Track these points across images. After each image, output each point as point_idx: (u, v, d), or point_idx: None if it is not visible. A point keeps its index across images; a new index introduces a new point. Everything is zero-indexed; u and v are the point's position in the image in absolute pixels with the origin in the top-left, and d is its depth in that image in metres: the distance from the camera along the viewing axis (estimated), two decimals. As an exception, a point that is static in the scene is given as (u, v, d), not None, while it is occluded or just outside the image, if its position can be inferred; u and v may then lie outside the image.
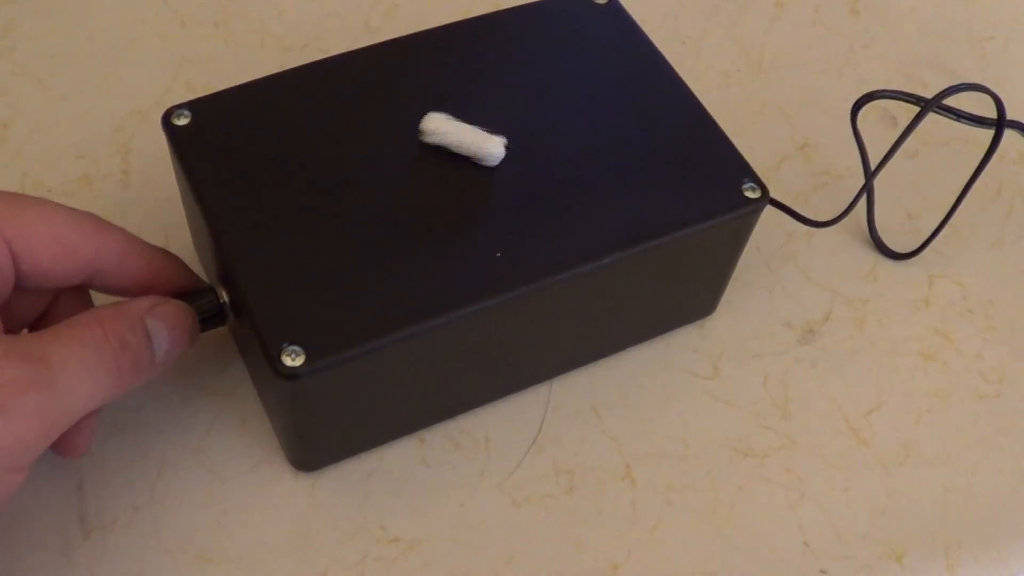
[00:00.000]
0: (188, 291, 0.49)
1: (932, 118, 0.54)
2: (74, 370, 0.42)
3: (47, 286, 0.46)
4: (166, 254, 0.49)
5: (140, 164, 0.60)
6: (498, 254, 0.46)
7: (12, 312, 0.46)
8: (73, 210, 0.46)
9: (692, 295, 0.55)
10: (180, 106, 0.50)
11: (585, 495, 0.51)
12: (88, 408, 0.43)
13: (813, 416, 0.55)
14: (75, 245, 0.45)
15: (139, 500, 0.50)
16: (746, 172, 0.50)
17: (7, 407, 0.39)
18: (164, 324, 0.46)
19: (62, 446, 0.47)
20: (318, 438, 0.49)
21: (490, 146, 0.48)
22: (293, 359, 0.43)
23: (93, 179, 0.59)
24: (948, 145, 0.65)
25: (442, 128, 0.49)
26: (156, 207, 0.58)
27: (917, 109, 0.54)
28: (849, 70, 0.69)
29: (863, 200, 0.57)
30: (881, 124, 0.65)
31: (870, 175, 0.55)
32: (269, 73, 0.52)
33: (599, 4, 0.56)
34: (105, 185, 0.59)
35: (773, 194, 0.51)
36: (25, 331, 0.48)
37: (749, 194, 0.50)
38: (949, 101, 0.54)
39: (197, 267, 0.54)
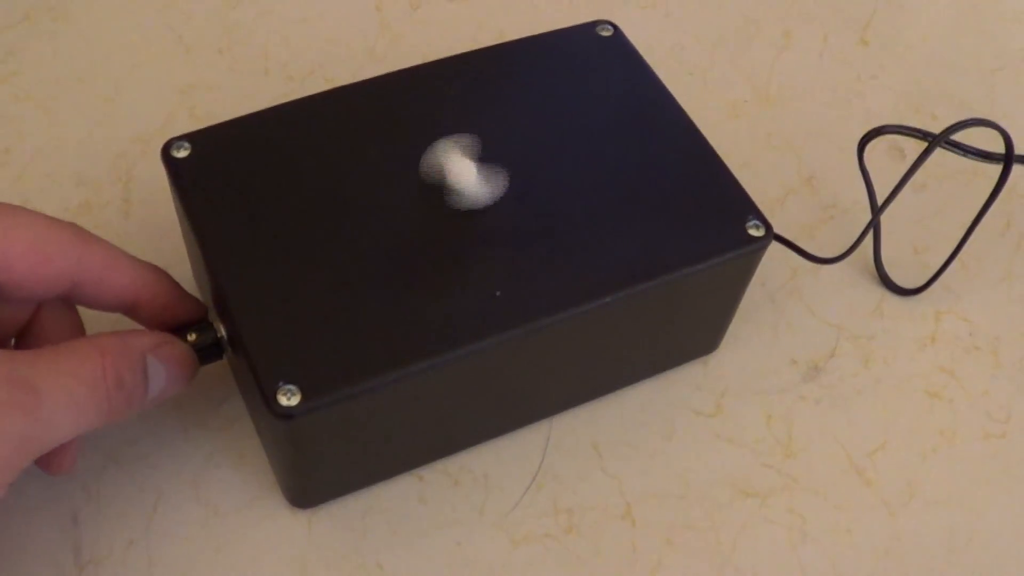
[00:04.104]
0: (175, 306, 0.48)
1: (940, 151, 0.53)
2: (62, 402, 0.41)
3: (24, 296, 0.45)
4: (154, 269, 0.48)
5: (141, 192, 0.60)
6: (498, 292, 0.46)
7: None
8: (54, 220, 0.45)
9: (695, 332, 0.54)
10: (180, 138, 0.49)
11: (584, 535, 0.51)
12: (69, 437, 0.43)
13: (816, 455, 0.54)
14: (53, 255, 0.44)
15: (134, 534, 0.50)
16: (750, 209, 0.50)
17: None
18: (164, 365, 0.45)
19: (46, 463, 0.47)
20: (315, 475, 0.49)
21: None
22: (289, 398, 0.43)
23: (94, 206, 0.59)
24: (956, 179, 0.64)
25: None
26: (157, 236, 0.58)
27: (925, 143, 0.53)
28: (857, 101, 0.68)
29: (870, 235, 0.56)
30: (888, 156, 0.65)
31: (877, 211, 0.55)
32: (272, 100, 0.52)
33: (603, 36, 0.55)
34: (106, 213, 0.59)
35: (778, 228, 0.51)
36: (12, 342, 0.48)
37: (753, 232, 0.49)
38: (957, 136, 0.53)
39: (196, 299, 0.54)
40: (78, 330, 0.49)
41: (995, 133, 0.53)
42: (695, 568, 0.51)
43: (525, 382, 0.50)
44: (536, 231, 0.48)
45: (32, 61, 0.65)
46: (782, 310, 0.58)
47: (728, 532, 0.52)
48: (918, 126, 0.54)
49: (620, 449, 0.53)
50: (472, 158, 0.49)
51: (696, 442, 0.54)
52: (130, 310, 0.47)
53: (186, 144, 0.49)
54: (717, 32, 0.71)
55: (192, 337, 0.48)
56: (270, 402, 0.43)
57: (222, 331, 0.48)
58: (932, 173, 0.64)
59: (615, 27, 0.55)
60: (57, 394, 0.41)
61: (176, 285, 0.49)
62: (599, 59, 0.54)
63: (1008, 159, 0.54)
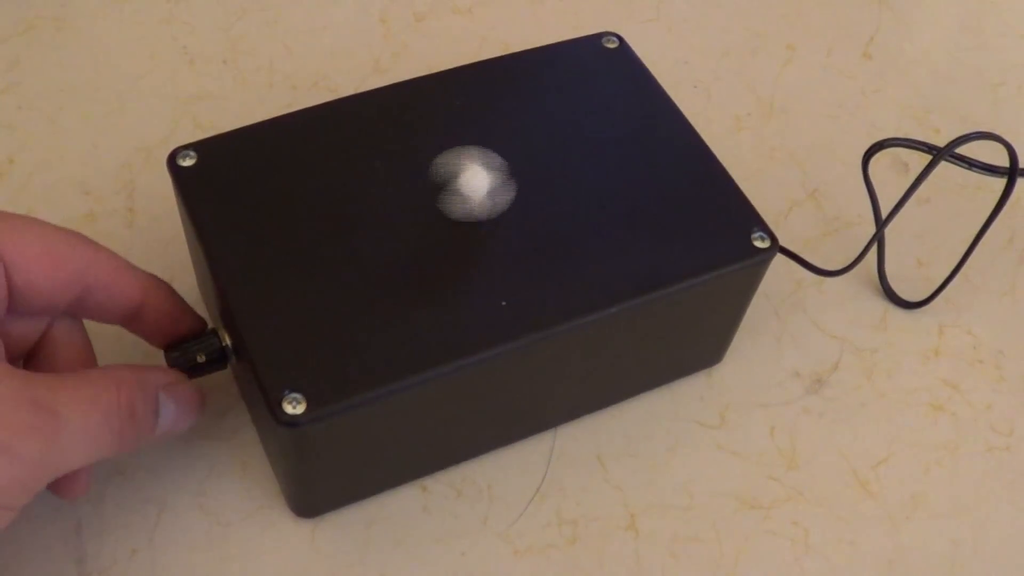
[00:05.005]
0: (178, 315, 0.49)
1: (944, 164, 0.53)
2: (79, 427, 0.42)
3: (40, 304, 0.45)
4: (155, 278, 0.49)
5: (145, 202, 0.60)
6: (503, 303, 0.46)
7: (7, 339, 0.46)
8: (61, 228, 0.46)
9: (699, 344, 0.54)
10: (186, 147, 0.49)
11: (588, 546, 0.51)
12: (82, 464, 0.43)
13: (820, 467, 0.54)
14: (66, 257, 0.45)
15: (138, 544, 0.50)
16: (755, 221, 0.50)
17: (10, 448, 0.39)
18: (175, 402, 0.46)
19: (60, 488, 0.47)
20: (319, 485, 0.49)
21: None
22: (294, 407, 0.43)
23: (98, 216, 0.59)
24: (960, 192, 0.65)
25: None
26: (161, 246, 0.58)
27: (929, 156, 0.53)
28: (861, 115, 0.68)
29: (873, 248, 0.56)
30: (892, 170, 0.65)
31: (881, 224, 0.55)
32: (277, 112, 0.52)
33: (609, 48, 0.55)
34: (110, 223, 0.59)
35: (783, 241, 0.51)
36: (20, 363, 0.48)
37: (758, 243, 0.49)
38: (961, 149, 0.53)
39: (201, 309, 0.54)
40: (88, 349, 0.49)
41: (999, 147, 0.53)
42: (699, 580, 0.51)
43: (530, 392, 0.50)
44: (542, 242, 0.48)
45: (36, 71, 0.65)
46: (786, 322, 0.59)
47: (731, 543, 0.52)
48: (921, 139, 0.54)
49: (624, 460, 0.53)
50: (480, 168, 0.49)
51: (700, 454, 0.54)
52: (135, 318, 0.48)
53: (192, 153, 0.49)
54: (721, 45, 0.71)
55: (201, 358, 0.48)
56: (275, 410, 0.43)
57: (227, 340, 0.48)
58: (936, 186, 0.64)
59: (620, 39, 0.56)
60: (74, 421, 0.42)
61: (177, 295, 0.49)
62: (604, 71, 0.55)
63: (1012, 172, 0.54)
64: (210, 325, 0.50)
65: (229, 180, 0.49)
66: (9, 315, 0.45)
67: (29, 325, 0.47)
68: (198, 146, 0.50)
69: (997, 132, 0.53)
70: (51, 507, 0.50)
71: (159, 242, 0.58)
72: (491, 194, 0.49)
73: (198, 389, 0.48)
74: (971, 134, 0.53)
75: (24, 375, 0.41)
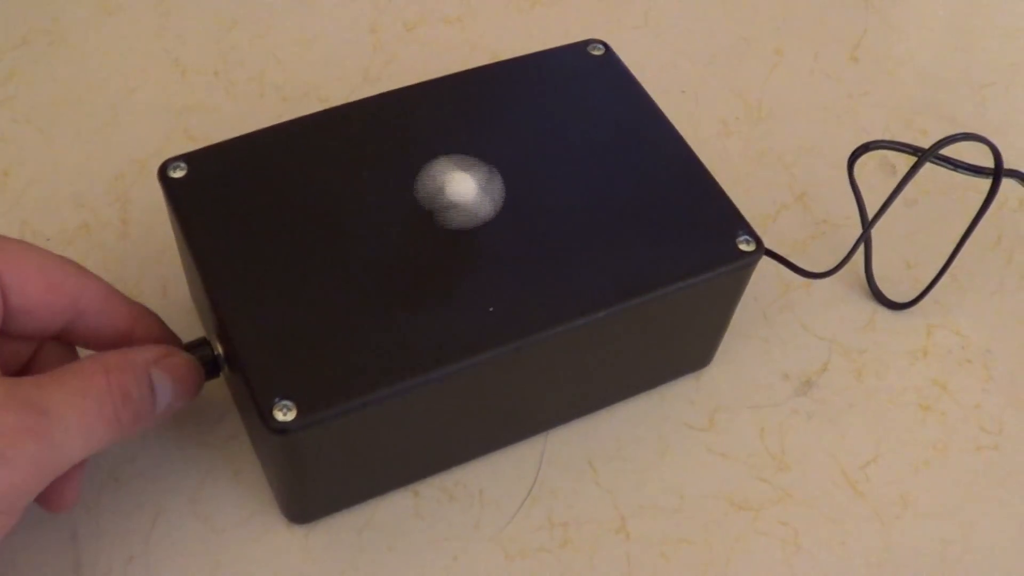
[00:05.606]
0: (167, 343, 0.49)
1: (932, 166, 0.54)
2: (73, 421, 0.42)
3: (33, 326, 0.46)
4: (144, 307, 0.49)
5: (139, 213, 0.60)
6: (491, 308, 0.46)
7: None
8: (54, 253, 0.46)
9: (687, 347, 0.55)
10: (176, 158, 0.50)
11: (579, 549, 0.51)
12: (82, 457, 0.43)
13: (809, 468, 0.54)
14: (60, 282, 0.46)
15: (133, 550, 0.50)
16: (741, 224, 0.50)
17: (3, 455, 0.39)
18: (169, 377, 0.46)
19: (49, 501, 0.47)
20: (311, 491, 0.49)
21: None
22: (285, 414, 0.43)
23: (92, 228, 0.59)
24: (947, 193, 0.65)
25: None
26: (154, 257, 0.58)
27: (914, 158, 0.54)
28: (848, 118, 0.69)
29: (861, 250, 0.56)
30: (880, 172, 0.65)
31: (867, 225, 0.55)
32: (268, 122, 0.52)
33: (595, 55, 0.56)
34: (104, 234, 0.59)
35: (771, 243, 0.51)
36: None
37: (743, 247, 0.49)
38: (947, 150, 0.54)
39: (194, 318, 0.54)
40: None
41: (984, 148, 0.54)
42: (690, 581, 0.51)
43: (519, 397, 0.51)
44: (529, 247, 0.48)
45: (30, 84, 0.66)
46: (774, 325, 0.59)
47: (722, 545, 0.52)
48: (908, 142, 0.54)
49: (614, 463, 0.54)
50: (468, 175, 0.49)
51: (690, 456, 0.54)
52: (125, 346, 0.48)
53: (182, 164, 0.50)
54: (709, 50, 0.71)
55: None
56: (266, 417, 0.43)
57: (219, 349, 0.48)
58: (923, 188, 0.64)
59: (606, 46, 0.56)
60: (66, 414, 0.41)
61: (166, 325, 0.50)
62: (591, 78, 0.55)
63: (997, 173, 0.55)
64: (202, 334, 0.50)
65: (220, 191, 0.49)
66: (0, 336, 0.46)
67: (18, 346, 0.48)
68: (188, 157, 0.50)
69: (985, 133, 0.53)
70: (47, 514, 0.50)
71: (152, 253, 0.59)
72: (478, 201, 0.49)
73: (192, 359, 0.47)
74: (955, 135, 0.53)
75: (9, 380, 0.41)
